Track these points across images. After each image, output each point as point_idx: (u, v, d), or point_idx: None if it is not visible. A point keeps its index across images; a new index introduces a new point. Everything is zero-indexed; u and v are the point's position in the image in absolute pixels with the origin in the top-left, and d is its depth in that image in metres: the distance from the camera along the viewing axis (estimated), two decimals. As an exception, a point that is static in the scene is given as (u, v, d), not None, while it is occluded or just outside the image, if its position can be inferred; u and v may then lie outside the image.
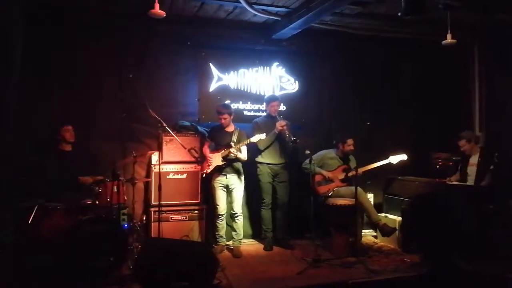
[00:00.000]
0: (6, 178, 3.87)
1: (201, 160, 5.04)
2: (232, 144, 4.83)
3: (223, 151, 4.84)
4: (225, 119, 4.90)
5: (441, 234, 1.99)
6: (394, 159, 5.17)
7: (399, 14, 3.91)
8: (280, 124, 4.96)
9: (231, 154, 4.77)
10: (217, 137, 5.02)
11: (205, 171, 4.97)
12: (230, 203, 5.03)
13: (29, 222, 3.70)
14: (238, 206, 5.00)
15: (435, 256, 2.00)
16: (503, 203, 4.60)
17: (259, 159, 5.18)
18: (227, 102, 5.52)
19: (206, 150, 5.04)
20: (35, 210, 3.74)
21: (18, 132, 4.51)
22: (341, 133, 5.41)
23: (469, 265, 2.02)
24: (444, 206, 2.06)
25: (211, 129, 5.17)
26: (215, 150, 4.98)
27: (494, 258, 4.05)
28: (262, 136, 4.77)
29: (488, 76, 6.01)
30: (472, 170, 5.09)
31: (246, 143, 4.80)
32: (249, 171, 5.21)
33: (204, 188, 5.15)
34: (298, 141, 4.86)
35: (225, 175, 4.93)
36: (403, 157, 5.18)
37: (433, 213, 2.04)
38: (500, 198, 4.61)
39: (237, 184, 4.97)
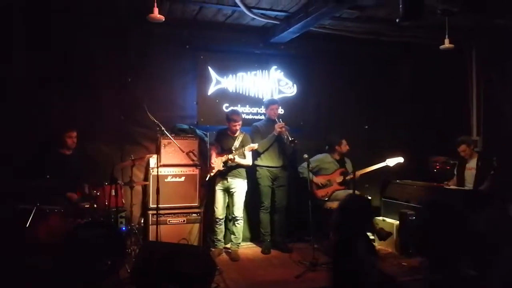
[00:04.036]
0: (5, 179, 3.89)
1: (200, 163, 5.05)
2: (233, 149, 4.84)
3: (225, 156, 4.85)
4: (239, 125, 4.92)
5: (454, 241, 2.00)
6: (391, 161, 5.21)
7: (397, 20, 3.91)
8: (279, 125, 4.97)
9: (229, 161, 4.78)
10: (222, 141, 5.03)
11: (209, 174, 4.97)
12: (230, 206, 5.04)
13: (27, 225, 3.68)
14: (239, 210, 4.98)
15: (444, 262, 2.00)
16: (502, 207, 4.61)
17: (258, 162, 5.18)
18: (226, 105, 5.56)
19: (213, 153, 5.02)
20: (33, 213, 3.73)
21: (18, 133, 4.56)
22: (331, 136, 5.44)
23: (473, 271, 2.03)
24: (457, 214, 2.07)
25: (217, 133, 5.16)
26: (220, 154, 4.98)
27: (491, 264, 4.05)
28: (255, 146, 4.83)
29: (486, 80, 6.02)
30: (469, 174, 5.10)
31: (243, 150, 4.81)
32: (248, 174, 5.21)
33: (205, 191, 5.14)
34: (296, 141, 4.87)
35: (226, 178, 4.93)
36: (400, 159, 5.22)
37: (446, 221, 2.05)
38: (499, 202, 4.62)
39: (238, 188, 4.96)
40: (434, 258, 2.06)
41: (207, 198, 5.15)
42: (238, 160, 4.84)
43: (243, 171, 5.00)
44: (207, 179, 5.01)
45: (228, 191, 4.98)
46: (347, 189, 5.17)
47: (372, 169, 5.17)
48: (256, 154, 5.15)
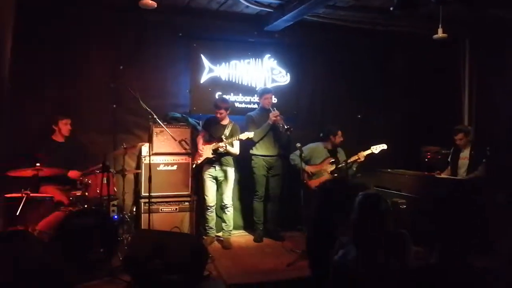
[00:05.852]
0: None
1: (193, 151, 5.04)
2: (223, 138, 4.83)
3: (214, 144, 4.84)
4: (221, 113, 4.90)
5: (458, 230, 2.05)
6: (376, 148, 5.23)
7: (391, 8, 3.90)
8: (274, 114, 4.96)
9: (220, 149, 4.77)
10: (211, 129, 5.01)
11: (195, 162, 4.97)
12: (220, 194, 5.05)
13: (17, 214, 3.66)
14: (228, 198, 5.02)
15: (449, 250, 2.04)
16: (492, 196, 4.66)
17: (254, 151, 5.18)
18: (219, 94, 5.53)
19: (200, 140, 5.02)
20: (23, 201, 3.70)
21: (9, 122, 4.49)
22: (329, 125, 5.44)
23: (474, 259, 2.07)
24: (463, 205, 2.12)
25: (206, 120, 5.15)
26: (207, 141, 4.97)
27: (483, 252, 4.11)
28: (250, 134, 4.80)
29: (479, 70, 6.03)
30: (463, 163, 5.14)
31: (235, 139, 4.80)
32: (242, 163, 5.21)
33: (196, 179, 5.14)
34: (292, 129, 4.87)
35: (215, 167, 4.94)
36: (383, 146, 5.25)
37: (453, 211, 2.09)
38: (490, 191, 4.66)
39: (227, 176, 4.97)
40: (428, 247, 2.10)
41: (195, 186, 5.15)
42: (228, 148, 4.84)
43: (230, 159, 5.00)
44: (194, 166, 5.01)
45: (216, 179, 4.98)
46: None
47: (358, 156, 5.18)
48: (251, 143, 5.14)
